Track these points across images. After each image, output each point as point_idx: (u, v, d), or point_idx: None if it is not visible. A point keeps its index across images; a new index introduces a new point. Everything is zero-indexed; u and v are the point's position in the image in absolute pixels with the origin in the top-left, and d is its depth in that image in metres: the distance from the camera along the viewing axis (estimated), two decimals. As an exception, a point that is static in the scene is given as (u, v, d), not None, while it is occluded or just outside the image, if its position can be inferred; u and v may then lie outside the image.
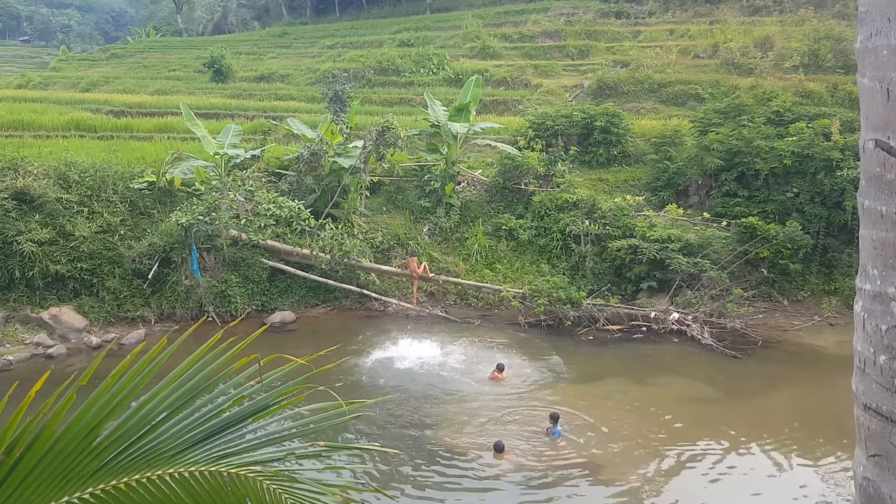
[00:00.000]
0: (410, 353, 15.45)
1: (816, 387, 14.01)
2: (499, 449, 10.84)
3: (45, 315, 16.41)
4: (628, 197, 20.71)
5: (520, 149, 22.54)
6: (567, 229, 19.83)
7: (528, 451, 11.09)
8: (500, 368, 13.99)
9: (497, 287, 18.70)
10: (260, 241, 18.15)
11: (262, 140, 24.16)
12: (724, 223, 19.44)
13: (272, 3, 74.40)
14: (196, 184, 19.46)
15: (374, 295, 18.90)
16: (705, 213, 19.88)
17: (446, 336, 16.60)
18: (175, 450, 2.82)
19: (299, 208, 18.35)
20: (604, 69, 34.61)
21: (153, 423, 2.80)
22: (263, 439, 3.05)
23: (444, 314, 18.37)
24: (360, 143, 20.33)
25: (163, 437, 2.81)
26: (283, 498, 2.90)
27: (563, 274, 18.90)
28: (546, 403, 12.76)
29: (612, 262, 19.14)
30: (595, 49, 39.39)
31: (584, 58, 38.74)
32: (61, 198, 17.41)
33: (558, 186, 21.06)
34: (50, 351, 15.57)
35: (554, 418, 11.58)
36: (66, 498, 2.59)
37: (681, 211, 19.85)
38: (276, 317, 17.90)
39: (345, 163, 20.08)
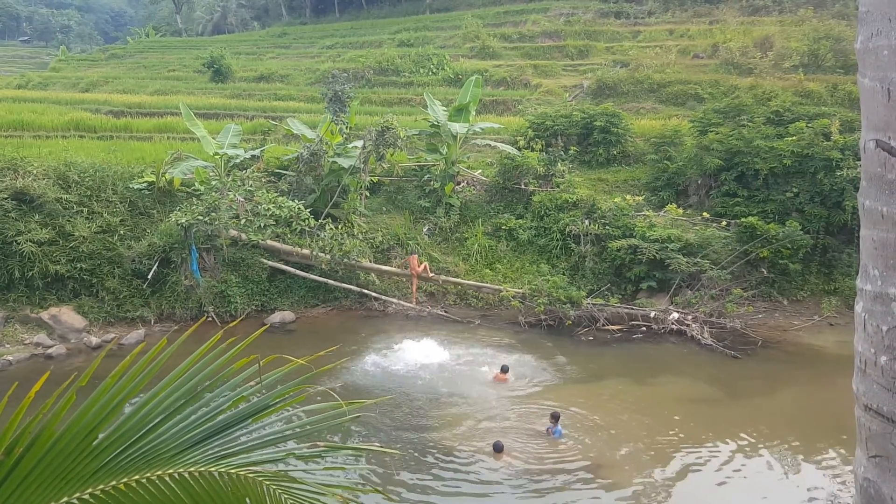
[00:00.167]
0: (410, 353, 15.44)
1: (816, 387, 14.01)
2: (498, 449, 10.83)
3: (44, 315, 16.41)
4: (628, 197, 20.71)
5: (519, 149, 22.54)
6: (567, 229, 19.83)
7: (527, 452, 11.08)
8: (504, 370, 13.92)
9: (497, 287, 18.70)
10: (260, 241, 18.15)
11: (262, 140, 24.15)
12: (724, 223, 19.44)
13: (272, 3, 74.41)
14: (196, 184, 19.46)
15: (374, 294, 18.90)
16: (705, 213, 19.89)
17: (446, 336, 16.58)
18: (175, 450, 2.82)
19: (299, 208, 18.35)
20: (603, 69, 34.62)
21: (153, 423, 2.79)
22: (263, 440, 3.05)
23: (444, 314, 18.36)
24: (359, 144, 20.32)
25: (162, 438, 2.81)
26: (283, 498, 2.89)
27: (563, 274, 18.91)
28: (546, 403, 12.76)
29: (612, 262, 19.14)
30: (595, 49, 39.40)
31: (584, 58, 38.75)
32: (61, 198, 17.40)
33: (558, 186, 21.06)
34: (49, 351, 15.56)
35: (555, 417, 11.57)
36: (65, 498, 2.59)
37: (680, 211, 19.86)
38: (276, 317, 17.89)
39: (344, 163, 20.08)
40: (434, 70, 38.95)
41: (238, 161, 19.80)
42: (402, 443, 11.36)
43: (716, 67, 33.29)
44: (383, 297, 18.92)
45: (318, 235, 18.38)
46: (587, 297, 17.68)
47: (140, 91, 38.51)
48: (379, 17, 58.20)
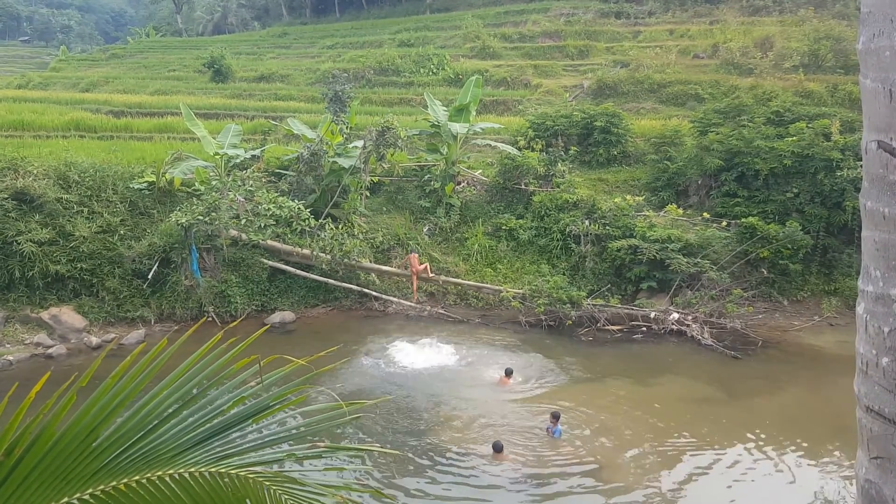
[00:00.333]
0: (410, 353, 15.44)
1: (817, 387, 14.00)
2: (497, 449, 10.83)
3: (44, 315, 16.41)
4: (628, 197, 20.70)
5: (520, 149, 22.54)
6: (567, 229, 19.83)
7: (527, 452, 11.08)
8: (508, 373, 13.85)
9: (497, 287, 18.70)
10: (260, 241, 18.15)
11: (262, 140, 24.15)
12: (724, 223, 19.44)
13: (272, 3, 74.41)
14: (196, 184, 19.46)
15: (374, 294, 18.90)
16: (705, 214, 19.88)
17: (446, 336, 16.58)
18: (175, 451, 2.82)
19: (299, 208, 18.35)
20: (604, 69, 34.63)
21: (153, 423, 2.79)
22: (263, 440, 3.04)
23: (444, 314, 18.36)
24: (360, 144, 20.32)
25: (163, 438, 2.81)
26: (283, 499, 2.89)
27: (563, 274, 18.91)
28: (546, 403, 12.75)
29: (612, 263, 19.14)
30: (595, 49, 39.40)
31: (584, 58, 38.75)
32: (61, 198, 17.41)
33: (558, 186, 21.06)
34: (50, 351, 15.56)
35: (555, 416, 11.56)
36: (65, 499, 2.59)
37: (681, 211, 19.85)
38: (276, 317, 17.89)
39: (345, 163, 20.08)
40: (434, 70, 38.96)
41: (238, 161, 19.80)
42: (402, 443, 11.35)
43: (716, 68, 33.29)
44: (383, 297, 18.92)
45: (318, 235, 18.38)
46: (587, 297, 17.68)
47: (140, 91, 38.53)
48: (379, 17, 58.20)
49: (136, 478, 2.71)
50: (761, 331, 16.86)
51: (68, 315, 16.57)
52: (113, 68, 49.47)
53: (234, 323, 15.41)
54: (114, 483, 2.67)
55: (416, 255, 19.01)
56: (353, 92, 25.36)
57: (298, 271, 18.83)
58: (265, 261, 18.71)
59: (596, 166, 23.69)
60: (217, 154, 19.25)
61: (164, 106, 31.24)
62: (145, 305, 17.45)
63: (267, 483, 2.88)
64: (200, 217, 17.16)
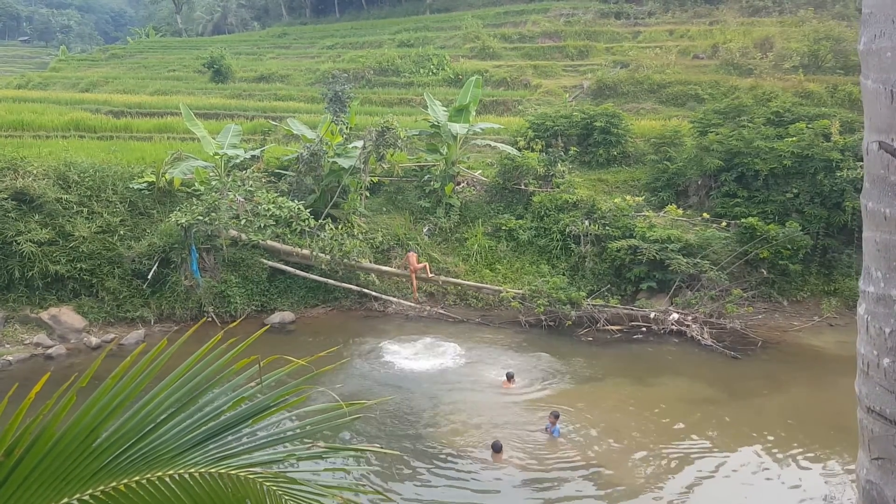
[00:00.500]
0: (410, 353, 15.44)
1: (816, 387, 14.00)
2: (496, 449, 10.83)
3: (44, 315, 16.40)
4: (628, 197, 20.70)
5: (519, 149, 22.54)
6: (567, 230, 19.83)
7: (526, 451, 11.08)
8: (509, 377, 13.81)
9: (497, 288, 18.70)
10: (259, 241, 18.14)
11: (262, 140, 24.16)
12: (724, 224, 19.44)
13: (272, 3, 74.42)
14: (196, 184, 19.45)
15: (374, 294, 18.89)
16: (705, 214, 19.88)
17: (446, 336, 16.58)
18: (175, 451, 2.81)
19: (299, 208, 18.34)
20: (603, 70, 34.64)
21: (153, 424, 2.79)
22: (263, 441, 3.04)
23: (444, 314, 18.35)
24: (359, 144, 20.32)
25: (163, 439, 2.81)
26: (283, 499, 2.89)
27: (563, 274, 18.91)
28: (546, 403, 12.75)
29: (612, 263, 19.14)
30: (595, 49, 39.41)
31: (584, 58, 38.76)
32: (61, 198, 17.40)
33: (558, 187, 21.06)
34: (49, 351, 15.56)
35: (555, 416, 11.58)
36: (65, 499, 2.59)
37: (680, 211, 19.86)
38: (276, 317, 17.88)
39: (344, 163, 20.07)
40: (434, 70, 38.96)
41: (238, 161, 19.80)
42: (402, 444, 11.35)
43: (716, 68, 33.30)
44: (383, 297, 18.91)
45: (318, 236, 18.37)
46: (587, 297, 17.68)
47: (140, 91, 38.52)
48: (379, 17, 58.21)
49: (136, 478, 2.70)
50: (761, 331, 16.86)
51: (68, 315, 16.56)
52: (113, 68, 49.46)
53: (234, 323, 15.41)
54: (114, 483, 2.67)
55: (415, 254, 19.00)
56: (352, 92, 25.37)
57: (298, 271, 18.82)
58: (265, 261, 18.70)
59: (596, 167, 23.69)
60: (217, 154, 19.25)
61: (164, 106, 31.24)
62: (145, 306, 17.44)
63: (267, 483, 2.88)
64: (200, 217, 17.16)
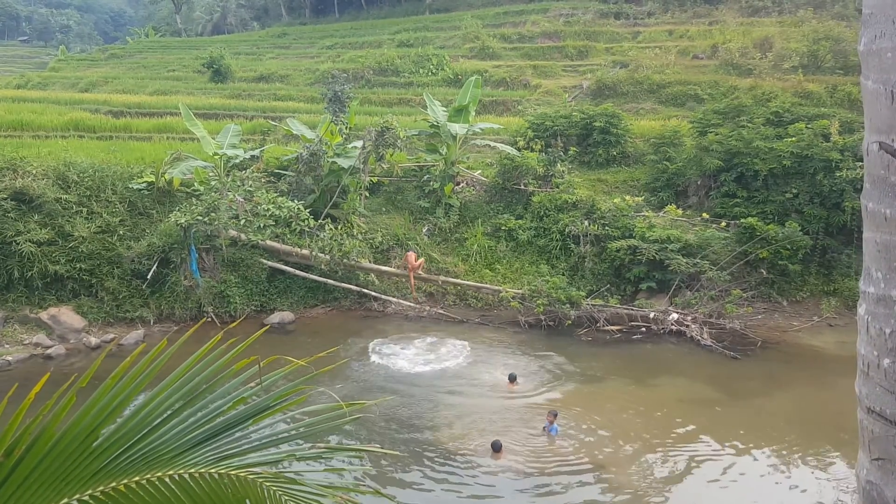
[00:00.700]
0: (410, 353, 15.43)
1: (816, 388, 14.01)
2: (496, 448, 10.84)
3: (43, 315, 16.39)
4: (627, 197, 20.70)
5: (519, 149, 22.54)
6: (566, 230, 19.83)
7: (525, 451, 11.08)
8: (511, 379, 13.77)
9: (496, 288, 18.70)
10: (259, 241, 18.13)
11: (262, 140, 24.14)
12: (724, 224, 19.44)
13: (271, 3, 74.40)
14: (195, 184, 19.45)
15: (373, 294, 18.89)
16: (704, 214, 19.88)
17: (446, 337, 16.58)
18: (175, 451, 2.81)
19: (298, 209, 18.34)
20: (603, 70, 34.63)
21: (153, 424, 2.79)
22: (263, 441, 3.04)
23: (443, 314, 18.35)
24: (359, 144, 20.31)
25: (162, 439, 2.81)
26: (283, 500, 2.89)
27: (563, 274, 18.91)
28: (545, 403, 12.75)
29: (612, 263, 19.14)
30: (594, 50, 39.41)
31: (584, 58, 38.76)
32: (60, 198, 17.40)
33: (557, 187, 21.06)
34: (49, 351, 15.55)
35: (553, 414, 11.58)
36: (65, 500, 2.59)
37: (680, 211, 19.86)
38: (276, 317, 17.87)
39: (344, 163, 20.07)
40: (434, 70, 38.96)
41: (238, 161, 19.78)
42: (402, 443, 11.35)
43: (715, 68, 33.29)
44: (383, 297, 18.91)
45: (317, 236, 18.37)
46: (587, 297, 17.68)
47: (140, 91, 38.50)
48: (379, 17, 58.20)
49: (136, 478, 2.70)
50: (760, 331, 16.86)
51: (67, 315, 16.55)
52: (112, 68, 49.44)
53: (234, 323, 15.43)
54: (114, 484, 2.67)
55: (414, 253, 18.99)
56: (352, 92, 25.35)
57: (298, 272, 18.82)
58: (264, 261, 18.70)
59: (595, 167, 23.69)
60: (216, 154, 19.23)
61: (164, 106, 31.22)
62: (144, 306, 17.43)
63: (267, 483, 2.88)
64: (200, 217, 17.15)
